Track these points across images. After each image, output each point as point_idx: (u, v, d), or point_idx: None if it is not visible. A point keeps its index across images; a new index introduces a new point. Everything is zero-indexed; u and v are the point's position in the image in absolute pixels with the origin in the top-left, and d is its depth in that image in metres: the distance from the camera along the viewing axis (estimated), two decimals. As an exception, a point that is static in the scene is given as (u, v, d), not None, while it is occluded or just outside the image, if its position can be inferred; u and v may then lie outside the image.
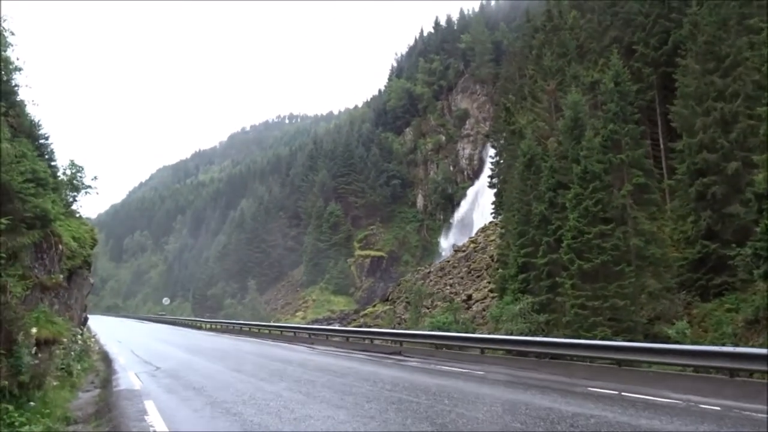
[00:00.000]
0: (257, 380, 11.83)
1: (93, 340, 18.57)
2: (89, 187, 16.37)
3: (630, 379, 11.68)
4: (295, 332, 33.81)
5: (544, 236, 28.54)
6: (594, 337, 23.03)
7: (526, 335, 24.97)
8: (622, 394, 9.77)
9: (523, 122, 36.27)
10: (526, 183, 30.66)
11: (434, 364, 15.87)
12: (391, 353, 19.23)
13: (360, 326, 47.05)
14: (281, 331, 36.19)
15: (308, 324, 60.98)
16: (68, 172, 15.91)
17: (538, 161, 30.53)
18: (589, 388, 10.38)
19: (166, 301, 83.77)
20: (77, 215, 16.60)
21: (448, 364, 15.65)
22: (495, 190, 63.92)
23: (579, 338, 22.44)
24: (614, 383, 10.88)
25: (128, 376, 13.03)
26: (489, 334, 24.97)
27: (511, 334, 25.04)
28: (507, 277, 31.91)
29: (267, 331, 37.24)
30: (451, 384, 11.32)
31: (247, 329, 39.97)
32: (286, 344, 25.92)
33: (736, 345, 22.62)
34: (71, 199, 16.08)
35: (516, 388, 10.71)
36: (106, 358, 17.73)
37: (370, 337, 25.01)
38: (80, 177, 16.11)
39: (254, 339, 31.20)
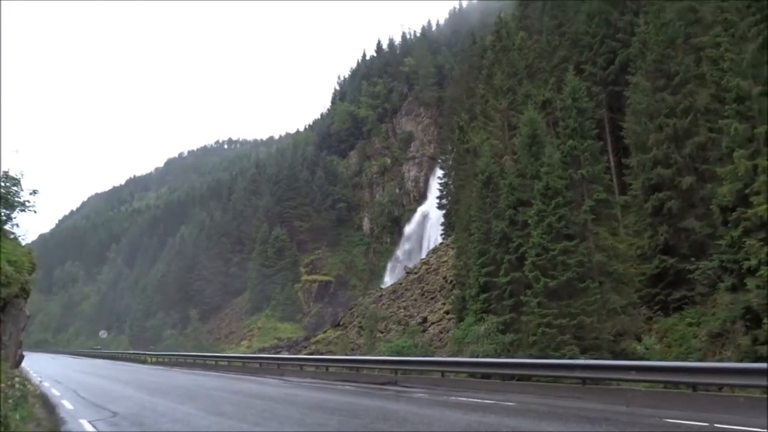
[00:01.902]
0: (250, 426, 9.80)
1: (31, 382, 16.03)
2: (26, 203, 14.17)
3: (708, 406, 10.16)
4: (260, 363, 31.21)
5: (506, 254, 28.09)
6: (563, 356, 22.57)
7: (493, 357, 24.32)
8: (716, 425, 8.42)
9: (476, 141, 36.06)
10: (484, 201, 30.24)
11: (447, 395, 14.01)
12: (384, 383, 17.39)
13: (312, 353, 45.39)
14: (243, 362, 33.46)
15: (255, 353, 58.64)
16: (1, 184, 13.69)
17: (496, 179, 30.21)
18: (667, 420, 9.00)
19: (103, 334, 79.16)
20: (11, 236, 14.55)
21: (464, 394, 13.88)
22: (444, 211, 64.00)
23: (547, 358, 21.93)
24: (690, 411, 9.50)
25: (81, 426, 10.69)
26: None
27: (478, 356, 24.31)
28: (467, 298, 31.26)
29: (226, 363, 34.63)
30: (495, 421, 9.72)
31: (202, 362, 37.16)
32: (253, 377, 23.61)
33: (702, 359, 22.70)
34: (5, 218, 13.93)
35: (582, 423, 9.20)
36: (46, 403, 14.45)
37: (357, 366, 22.44)
38: (16, 191, 13.98)
39: (212, 372, 28.61)
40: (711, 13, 27.46)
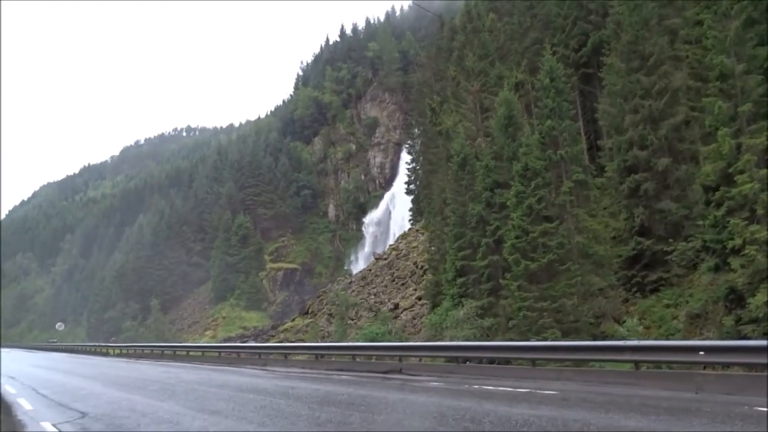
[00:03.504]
0: (255, 427, 8.10)
1: None
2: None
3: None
4: (239, 353, 29.38)
5: (483, 237, 27.59)
6: (544, 340, 22.19)
7: (472, 341, 23.77)
8: None
9: (449, 123, 35.39)
10: (460, 184, 29.64)
11: (466, 383, 12.44)
12: (386, 371, 15.92)
13: (281, 342, 44.28)
14: (219, 352, 31.47)
15: (222, 342, 57.19)
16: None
17: (471, 161, 29.62)
18: (759, 408, 7.60)
19: (59, 326, 76.08)
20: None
21: (486, 382, 12.35)
22: (413, 196, 63.41)
23: (528, 341, 21.48)
24: None
25: (44, 430, 8.92)
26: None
27: (458, 341, 23.74)
28: (443, 282, 30.72)
29: (199, 353, 32.71)
30: (553, 414, 8.05)
31: (171, 353, 35.08)
32: (232, 368, 21.87)
33: (686, 338, 22.59)
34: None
35: (662, 415, 7.62)
36: (0, 404, 12.58)
37: (353, 353, 20.33)
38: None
39: (184, 363, 26.89)
40: (687, -8, 27.25)
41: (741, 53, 19.81)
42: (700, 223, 22.23)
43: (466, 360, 18.01)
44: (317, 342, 37.62)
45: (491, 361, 18.80)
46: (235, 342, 59.66)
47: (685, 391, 9.55)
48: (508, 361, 18.48)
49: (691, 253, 23.42)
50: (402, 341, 31.47)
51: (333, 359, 20.84)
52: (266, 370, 19.57)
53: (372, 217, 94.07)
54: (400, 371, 15.98)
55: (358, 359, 19.39)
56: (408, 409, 9.42)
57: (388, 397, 11.20)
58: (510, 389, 11.19)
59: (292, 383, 14.26)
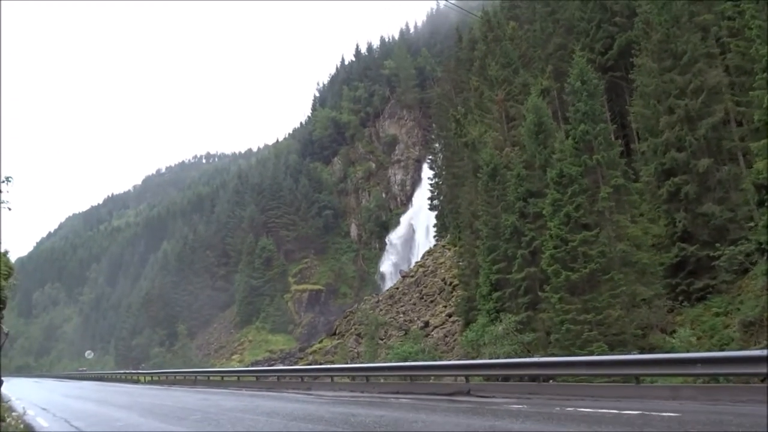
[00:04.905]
0: None
1: (13, 411, 13.72)
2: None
3: None
4: (278, 376, 28.02)
5: (518, 249, 26.61)
6: (591, 354, 21.06)
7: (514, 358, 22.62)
8: None
9: (475, 134, 34.58)
10: (491, 195, 28.73)
11: (557, 405, 10.90)
12: (452, 393, 14.43)
13: (309, 364, 43.35)
14: (256, 377, 30.03)
15: (251, 366, 56.42)
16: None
17: (501, 171, 28.74)
18: None
19: (89, 354, 75.93)
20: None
21: (581, 404, 10.71)
22: (436, 212, 62.45)
23: (576, 356, 20.34)
24: None
25: None
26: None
27: (497, 358, 22.66)
28: (477, 297, 29.70)
29: (234, 378, 31.55)
30: None
31: (204, 378, 33.89)
32: (273, 393, 20.76)
33: (744, 349, 21.28)
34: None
35: None
36: None
37: (408, 374, 18.54)
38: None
39: (220, 389, 25.85)
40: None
41: (788, 43, 18.86)
42: (750, 224, 21.11)
43: (548, 378, 15.77)
44: (349, 363, 36.61)
45: (533, 378, 17.41)
46: (263, 365, 58.91)
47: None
48: (550, 378, 16.95)
49: (741, 257, 22.21)
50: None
51: (381, 381, 19.53)
52: (311, 394, 18.19)
53: (395, 234, 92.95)
54: (468, 392, 14.36)
55: (419, 380, 17.77)
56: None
57: (473, 424, 9.74)
58: (615, 411, 9.63)
59: (348, 409, 13.02)
